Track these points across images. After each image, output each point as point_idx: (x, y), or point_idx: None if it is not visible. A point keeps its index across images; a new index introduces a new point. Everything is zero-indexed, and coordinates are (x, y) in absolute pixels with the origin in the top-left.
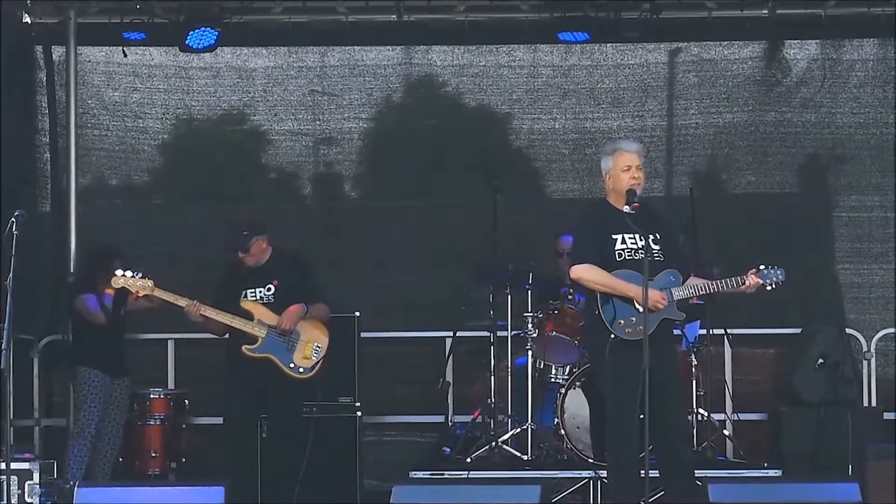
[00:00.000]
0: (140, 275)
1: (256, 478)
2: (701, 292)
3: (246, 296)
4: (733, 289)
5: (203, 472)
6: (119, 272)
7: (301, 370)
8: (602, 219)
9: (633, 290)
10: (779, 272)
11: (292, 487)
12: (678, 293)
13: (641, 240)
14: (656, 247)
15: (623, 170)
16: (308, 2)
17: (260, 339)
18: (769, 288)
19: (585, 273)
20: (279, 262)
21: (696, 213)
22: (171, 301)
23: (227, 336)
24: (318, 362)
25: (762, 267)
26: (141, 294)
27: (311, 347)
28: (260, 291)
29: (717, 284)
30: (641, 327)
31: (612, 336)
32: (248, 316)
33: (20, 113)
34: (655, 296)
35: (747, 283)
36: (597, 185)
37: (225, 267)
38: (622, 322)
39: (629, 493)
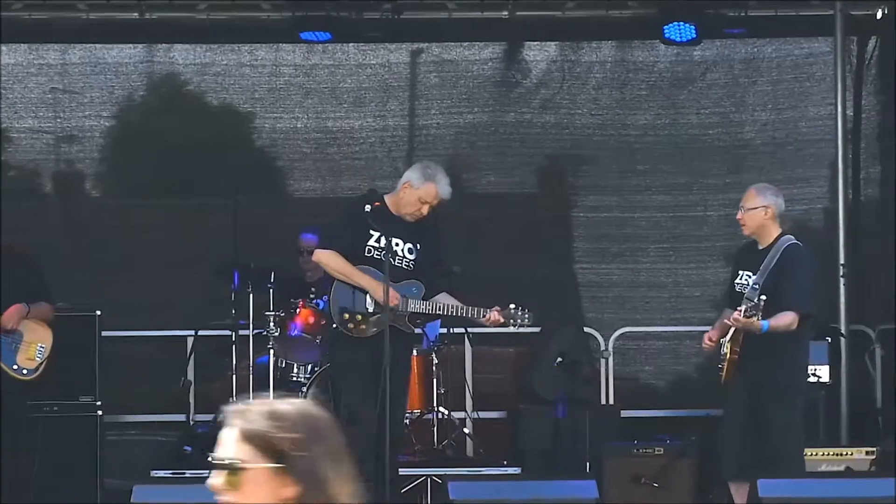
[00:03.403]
0: None
1: None
2: (439, 312)
3: None
4: (474, 318)
5: None
6: None
7: (25, 371)
8: (366, 215)
9: (369, 283)
10: (526, 316)
11: (27, 489)
12: (414, 305)
13: (404, 244)
14: (411, 256)
15: (421, 199)
16: None
17: None
18: (511, 328)
19: (326, 258)
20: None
21: (438, 212)
22: None
23: None
24: (42, 363)
25: (512, 307)
26: None
27: (34, 348)
28: None
29: (458, 309)
30: (364, 327)
31: (334, 326)
32: None
33: None
34: (392, 294)
35: (488, 317)
36: (339, 184)
37: None
38: (346, 316)
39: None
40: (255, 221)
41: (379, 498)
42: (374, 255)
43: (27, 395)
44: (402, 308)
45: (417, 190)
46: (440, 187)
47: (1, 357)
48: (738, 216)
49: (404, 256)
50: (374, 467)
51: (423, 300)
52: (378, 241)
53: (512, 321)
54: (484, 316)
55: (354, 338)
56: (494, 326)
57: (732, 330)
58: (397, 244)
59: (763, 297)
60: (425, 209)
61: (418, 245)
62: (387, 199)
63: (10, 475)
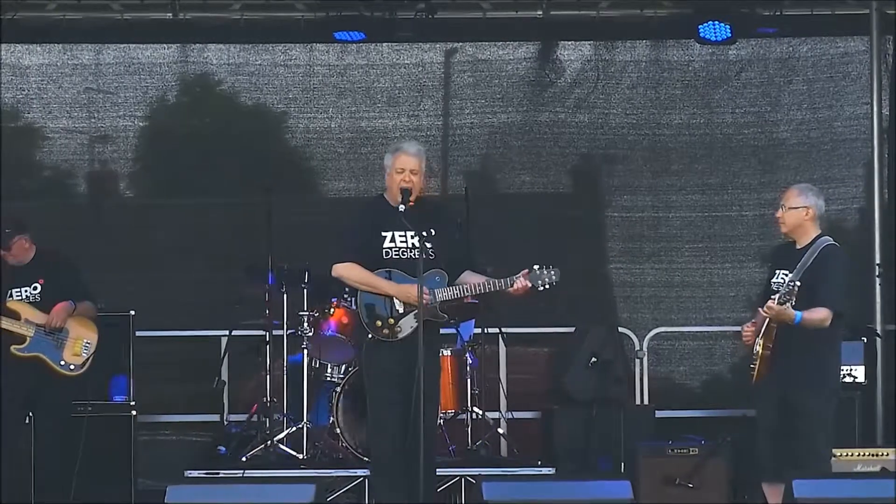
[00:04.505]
0: None
1: (30, 478)
2: (467, 293)
3: (11, 295)
4: (502, 289)
5: None
6: None
7: (71, 367)
8: (374, 215)
9: (392, 288)
10: (552, 272)
11: (67, 486)
12: (442, 294)
13: (413, 239)
14: (428, 245)
15: (397, 171)
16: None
17: (28, 339)
18: (541, 289)
19: (345, 271)
20: (44, 261)
21: (471, 211)
22: None
23: None
24: (87, 359)
25: (535, 267)
26: None
27: (80, 344)
28: (26, 290)
29: (484, 286)
30: (398, 328)
31: (369, 336)
32: (15, 315)
33: None
34: (412, 294)
35: (516, 286)
36: (372, 183)
37: None
38: (379, 323)
39: (391, 493)
40: (288, 221)
41: (414, 497)
42: (393, 256)
43: (72, 393)
44: (432, 300)
45: (392, 167)
46: (405, 148)
47: (46, 354)
48: (778, 214)
49: (421, 248)
50: (399, 468)
51: (449, 287)
52: (392, 240)
53: (540, 282)
54: (511, 286)
55: (383, 343)
56: (522, 293)
57: (766, 325)
58: (413, 235)
59: (798, 283)
60: (406, 176)
61: (432, 231)
62: (386, 196)
63: (50, 473)
